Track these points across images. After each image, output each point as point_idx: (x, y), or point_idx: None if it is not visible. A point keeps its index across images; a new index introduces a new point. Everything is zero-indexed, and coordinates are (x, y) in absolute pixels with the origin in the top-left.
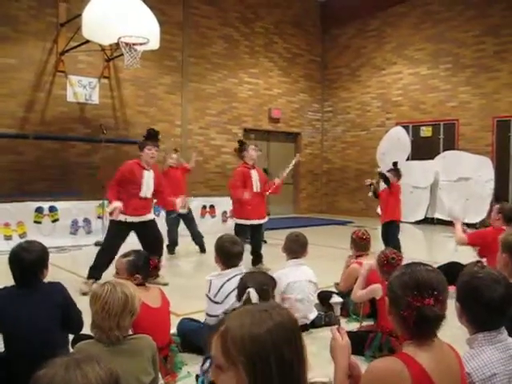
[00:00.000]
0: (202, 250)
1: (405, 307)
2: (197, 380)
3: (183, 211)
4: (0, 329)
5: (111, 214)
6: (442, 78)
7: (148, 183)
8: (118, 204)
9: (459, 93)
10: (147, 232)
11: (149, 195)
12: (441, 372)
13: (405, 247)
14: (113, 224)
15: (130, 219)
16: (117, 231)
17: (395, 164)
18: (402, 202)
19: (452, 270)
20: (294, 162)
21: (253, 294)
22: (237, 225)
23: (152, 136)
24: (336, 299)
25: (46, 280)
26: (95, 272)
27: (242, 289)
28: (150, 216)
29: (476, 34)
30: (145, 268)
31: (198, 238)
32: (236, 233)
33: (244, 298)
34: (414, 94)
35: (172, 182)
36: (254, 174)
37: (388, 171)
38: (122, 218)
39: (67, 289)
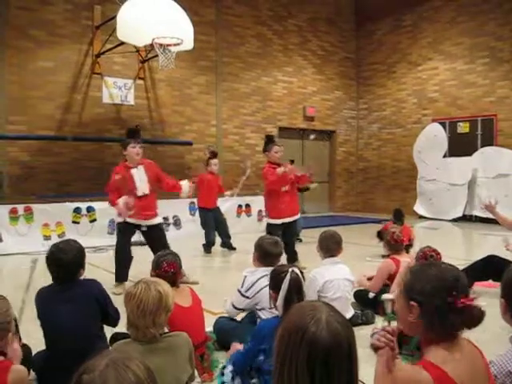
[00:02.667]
0: (232, 248)
1: (445, 310)
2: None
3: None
4: (42, 327)
5: (120, 214)
6: (480, 72)
7: (141, 180)
8: (122, 201)
9: (497, 88)
10: (154, 238)
11: (146, 191)
12: (466, 372)
13: (442, 245)
14: (118, 226)
15: (130, 220)
16: (122, 231)
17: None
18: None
19: (491, 264)
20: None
21: (296, 270)
22: (269, 224)
23: (134, 133)
24: (387, 295)
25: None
26: (120, 274)
27: (278, 273)
28: (156, 220)
29: None
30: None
31: (226, 242)
32: (268, 232)
33: (288, 277)
34: (450, 90)
35: (208, 187)
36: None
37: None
38: (121, 219)
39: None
